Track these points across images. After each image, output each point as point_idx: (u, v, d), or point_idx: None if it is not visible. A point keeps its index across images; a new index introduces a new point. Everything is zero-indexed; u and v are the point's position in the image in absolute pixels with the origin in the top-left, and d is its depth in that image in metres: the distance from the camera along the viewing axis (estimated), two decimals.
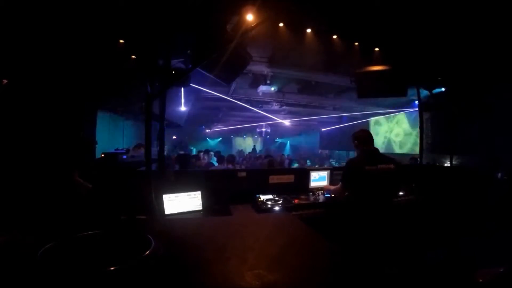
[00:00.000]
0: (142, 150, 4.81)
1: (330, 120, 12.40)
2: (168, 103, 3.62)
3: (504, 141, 4.89)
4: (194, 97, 7.79)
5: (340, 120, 12.04)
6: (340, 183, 2.78)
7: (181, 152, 7.84)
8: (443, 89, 5.17)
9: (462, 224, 3.14)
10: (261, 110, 9.72)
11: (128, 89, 4.70)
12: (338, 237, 1.72)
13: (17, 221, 1.75)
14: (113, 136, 7.30)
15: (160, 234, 1.04)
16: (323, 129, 13.67)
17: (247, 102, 8.83)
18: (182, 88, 5.54)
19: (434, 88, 5.17)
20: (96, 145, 3.88)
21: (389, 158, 2.69)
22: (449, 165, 5.36)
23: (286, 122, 12.55)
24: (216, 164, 5.85)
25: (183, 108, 7.56)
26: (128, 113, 7.32)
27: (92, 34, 3.31)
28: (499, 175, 3.96)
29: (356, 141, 2.67)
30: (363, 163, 2.48)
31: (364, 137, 2.66)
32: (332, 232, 1.69)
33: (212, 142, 15.66)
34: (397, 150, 10.21)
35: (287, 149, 16.28)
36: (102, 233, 0.99)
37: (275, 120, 11.60)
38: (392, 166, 2.51)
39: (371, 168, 2.43)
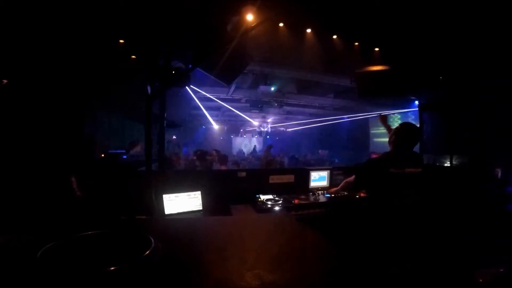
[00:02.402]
0: (138, 148, 4.81)
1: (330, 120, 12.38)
2: (170, 103, 3.63)
3: (504, 141, 4.89)
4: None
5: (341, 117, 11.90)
6: (354, 176, 2.51)
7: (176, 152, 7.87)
8: (442, 92, 5.17)
9: (462, 224, 3.14)
10: (260, 111, 9.70)
11: (129, 88, 4.70)
12: (338, 237, 1.72)
13: (17, 221, 1.75)
14: (115, 135, 7.29)
15: (160, 234, 1.04)
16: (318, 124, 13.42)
17: (247, 102, 8.85)
18: (187, 87, 5.52)
19: (435, 89, 5.17)
20: (96, 145, 3.88)
21: (420, 160, 2.30)
22: (449, 165, 5.35)
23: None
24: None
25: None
26: (130, 112, 7.32)
27: (93, 34, 3.31)
28: (499, 174, 3.96)
29: (393, 136, 2.22)
30: (387, 163, 2.10)
31: (404, 135, 2.19)
32: (332, 232, 1.69)
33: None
34: None
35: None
36: (102, 233, 0.99)
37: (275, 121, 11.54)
38: (419, 169, 2.14)
39: (396, 171, 2.05)
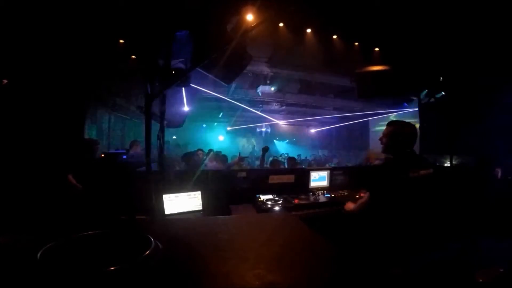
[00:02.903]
0: (138, 149, 4.81)
1: (331, 120, 12.38)
2: (169, 103, 3.63)
3: (504, 142, 4.89)
4: (195, 97, 7.76)
5: (342, 117, 11.81)
6: (368, 194, 2.20)
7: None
8: (443, 93, 5.18)
9: (462, 224, 3.14)
10: (260, 111, 9.69)
11: (129, 88, 4.70)
12: (339, 237, 1.72)
13: (17, 221, 1.75)
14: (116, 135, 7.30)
15: (160, 234, 1.04)
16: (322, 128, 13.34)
17: (247, 102, 8.85)
18: (183, 88, 5.51)
19: (435, 91, 5.16)
20: (98, 146, 3.88)
21: (427, 160, 2.12)
22: (449, 165, 5.36)
23: (281, 123, 12.45)
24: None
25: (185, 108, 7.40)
26: (130, 112, 7.32)
27: (93, 34, 3.31)
28: (499, 174, 3.96)
29: (387, 140, 2.04)
30: (406, 167, 1.91)
31: (409, 136, 2.00)
32: (333, 232, 1.69)
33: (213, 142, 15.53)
34: None
35: (283, 149, 16.05)
36: (102, 233, 0.99)
37: (272, 121, 11.54)
38: (431, 170, 1.97)
39: (414, 175, 1.89)
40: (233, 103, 8.54)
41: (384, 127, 2.16)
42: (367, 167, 5.25)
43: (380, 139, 2.13)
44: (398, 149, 2.02)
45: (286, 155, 10.69)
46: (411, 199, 1.91)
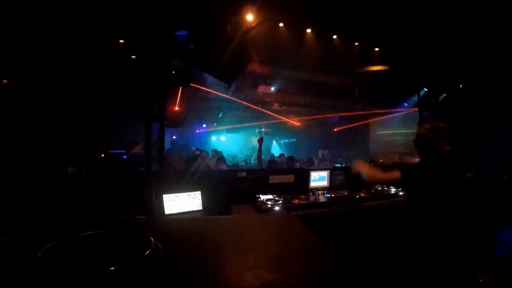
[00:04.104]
0: (138, 149, 4.79)
1: (332, 120, 12.37)
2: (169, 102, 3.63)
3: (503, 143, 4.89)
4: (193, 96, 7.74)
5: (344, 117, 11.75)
6: (401, 176, 1.92)
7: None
8: (444, 94, 5.19)
9: (462, 225, 3.14)
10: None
11: (129, 88, 4.70)
12: (339, 237, 1.72)
13: (17, 221, 1.76)
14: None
15: (160, 234, 1.04)
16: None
17: (247, 102, 8.83)
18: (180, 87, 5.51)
19: (437, 92, 5.17)
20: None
21: (464, 162, 1.93)
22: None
23: (295, 122, 12.43)
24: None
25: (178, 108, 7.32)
26: (131, 112, 7.29)
27: (94, 33, 3.31)
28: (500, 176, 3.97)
29: (432, 134, 1.86)
30: (451, 168, 1.77)
31: (446, 131, 1.87)
32: (333, 232, 1.69)
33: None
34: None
35: (280, 149, 15.98)
36: (102, 233, 0.99)
37: (276, 119, 11.49)
38: (473, 173, 1.81)
39: (459, 177, 1.74)
40: (232, 103, 8.53)
41: (383, 128, 2.14)
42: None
43: (414, 141, 2.03)
44: (432, 150, 1.89)
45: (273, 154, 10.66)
46: (453, 204, 1.79)
